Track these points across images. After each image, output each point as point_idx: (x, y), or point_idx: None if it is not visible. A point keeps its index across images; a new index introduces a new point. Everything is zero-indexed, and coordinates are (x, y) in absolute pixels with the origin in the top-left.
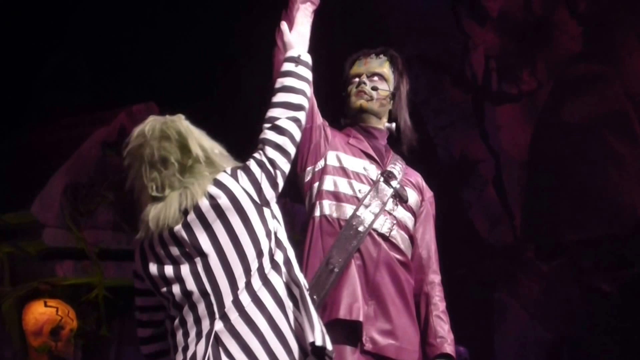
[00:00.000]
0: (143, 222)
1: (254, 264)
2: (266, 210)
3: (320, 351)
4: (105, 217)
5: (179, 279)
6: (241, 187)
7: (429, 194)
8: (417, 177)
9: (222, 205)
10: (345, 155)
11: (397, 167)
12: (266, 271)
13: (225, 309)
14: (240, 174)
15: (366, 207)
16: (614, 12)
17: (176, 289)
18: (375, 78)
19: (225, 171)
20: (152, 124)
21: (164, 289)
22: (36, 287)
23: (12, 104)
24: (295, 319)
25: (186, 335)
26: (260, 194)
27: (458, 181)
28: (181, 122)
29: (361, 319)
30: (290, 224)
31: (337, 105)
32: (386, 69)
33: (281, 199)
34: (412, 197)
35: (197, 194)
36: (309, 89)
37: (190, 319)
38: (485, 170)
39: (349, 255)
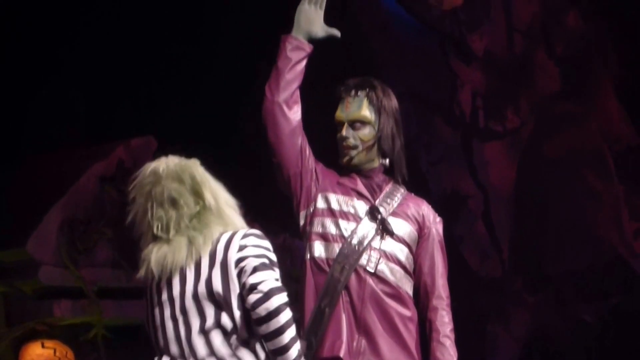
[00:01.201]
0: (144, 262)
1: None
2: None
3: None
4: (104, 255)
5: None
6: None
7: (433, 220)
8: (418, 206)
9: (215, 261)
10: (333, 195)
11: (393, 200)
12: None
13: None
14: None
15: (352, 244)
16: (588, 55)
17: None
18: (357, 124)
19: (234, 234)
20: (167, 163)
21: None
22: (33, 327)
23: (7, 138)
24: None
25: None
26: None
27: (449, 216)
28: (197, 168)
29: (341, 354)
30: (290, 259)
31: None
32: (365, 111)
33: (280, 235)
34: (403, 228)
35: (203, 246)
36: None
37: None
38: (474, 205)
39: (337, 294)
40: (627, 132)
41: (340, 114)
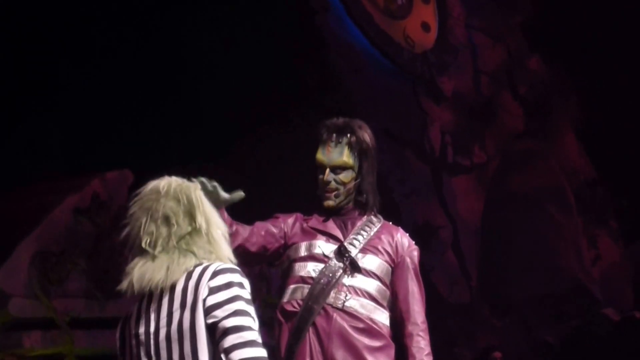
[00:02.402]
0: (127, 275)
1: None
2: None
3: None
4: (77, 285)
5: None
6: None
7: (408, 248)
8: (391, 236)
9: (187, 297)
10: (301, 243)
11: (363, 235)
12: None
13: None
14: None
15: (320, 283)
16: (549, 97)
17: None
18: (338, 170)
19: (204, 271)
20: (168, 182)
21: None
22: (2, 359)
23: None
24: None
25: None
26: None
27: (421, 245)
28: (195, 190)
29: None
30: (267, 287)
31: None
32: (346, 157)
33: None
34: (373, 263)
35: (178, 270)
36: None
37: None
38: (444, 235)
39: (304, 331)
40: (585, 167)
41: (322, 157)
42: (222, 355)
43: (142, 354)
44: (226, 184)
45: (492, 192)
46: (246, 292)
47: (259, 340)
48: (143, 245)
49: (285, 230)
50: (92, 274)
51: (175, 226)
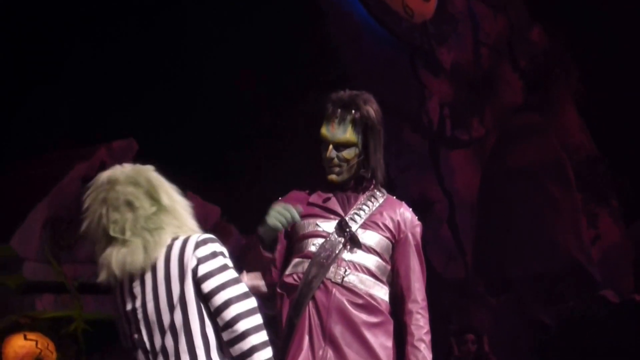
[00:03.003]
0: (104, 266)
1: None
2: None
3: None
4: (85, 251)
5: (135, 319)
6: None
7: (410, 224)
8: (394, 211)
9: (171, 270)
10: (303, 221)
11: (365, 210)
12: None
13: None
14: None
15: (319, 258)
16: (550, 70)
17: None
18: (341, 147)
19: (186, 243)
20: (121, 169)
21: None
22: (16, 320)
23: None
24: None
25: None
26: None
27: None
28: (152, 172)
29: None
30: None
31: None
32: (349, 135)
33: (252, 235)
34: (372, 239)
35: (155, 251)
36: None
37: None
38: (440, 210)
39: (304, 305)
40: (586, 143)
41: (327, 133)
42: (228, 325)
43: (133, 329)
44: (227, 154)
45: (490, 167)
46: (229, 260)
47: (256, 304)
48: (111, 233)
49: (286, 240)
50: None
51: (141, 209)
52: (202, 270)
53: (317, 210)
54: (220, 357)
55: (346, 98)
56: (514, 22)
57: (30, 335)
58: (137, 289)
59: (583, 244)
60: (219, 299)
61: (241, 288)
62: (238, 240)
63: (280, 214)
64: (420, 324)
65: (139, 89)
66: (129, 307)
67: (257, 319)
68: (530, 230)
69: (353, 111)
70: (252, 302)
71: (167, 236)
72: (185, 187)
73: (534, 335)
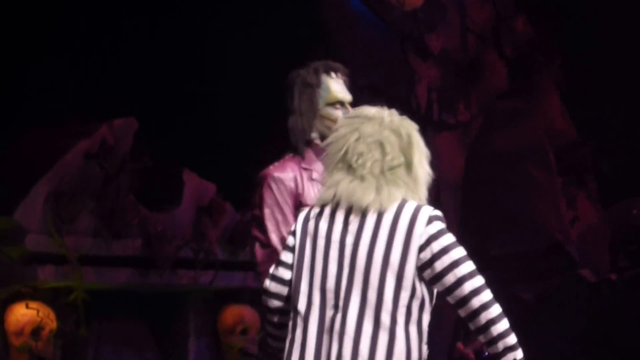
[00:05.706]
0: (332, 187)
1: (388, 298)
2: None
3: None
4: (86, 224)
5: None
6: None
7: None
8: None
9: (397, 230)
10: (306, 197)
11: None
12: (395, 313)
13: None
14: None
15: None
16: (534, 57)
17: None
18: (346, 109)
19: (418, 212)
20: (390, 114)
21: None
22: (18, 290)
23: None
24: None
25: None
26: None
27: None
28: (415, 131)
29: None
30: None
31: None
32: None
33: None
34: None
35: (389, 198)
36: None
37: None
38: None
39: None
40: (567, 128)
41: (340, 94)
42: (463, 301)
43: (334, 256)
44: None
45: (474, 149)
46: (457, 242)
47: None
48: (352, 163)
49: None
50: (100, 214)
51: (388, 155)
52: (434, 258)
53: (314, 180)
54: (405, 330)
55: (337, 64)
56: (500, 12)
57: (32, 304)
58: (352, 226)
59: (563, 223)
60: (451, 276)
61: (471, 265)
62: (233, 217)
63: None
64: None
65: (143, 66)
66: (336, 237)
67: (488, 294)
68: (512, 210)
69: (346, 74)
70: (482, 279)
71: (399, 194)
72: (183, 164)
73: (515, 311)
